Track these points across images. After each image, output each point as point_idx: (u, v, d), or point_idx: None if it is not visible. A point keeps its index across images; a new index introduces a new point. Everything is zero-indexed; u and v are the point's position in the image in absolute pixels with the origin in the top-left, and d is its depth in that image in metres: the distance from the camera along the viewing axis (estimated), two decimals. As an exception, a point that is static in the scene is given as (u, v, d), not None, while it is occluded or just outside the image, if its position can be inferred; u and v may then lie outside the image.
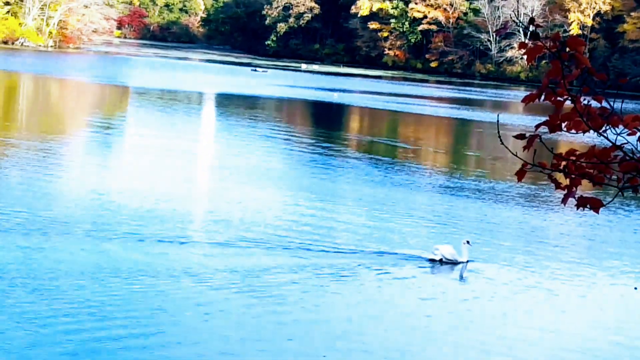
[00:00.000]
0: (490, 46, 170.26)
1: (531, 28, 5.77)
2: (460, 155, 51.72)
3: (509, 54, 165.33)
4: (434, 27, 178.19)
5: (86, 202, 26.61)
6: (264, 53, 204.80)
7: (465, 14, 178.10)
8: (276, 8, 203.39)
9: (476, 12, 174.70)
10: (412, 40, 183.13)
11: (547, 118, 5.89)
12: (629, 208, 33.32)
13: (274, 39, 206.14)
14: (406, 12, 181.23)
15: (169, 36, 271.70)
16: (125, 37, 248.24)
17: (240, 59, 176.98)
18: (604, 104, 5.83)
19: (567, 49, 5.65)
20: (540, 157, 6.08)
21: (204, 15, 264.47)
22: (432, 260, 22.78)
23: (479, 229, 27.29)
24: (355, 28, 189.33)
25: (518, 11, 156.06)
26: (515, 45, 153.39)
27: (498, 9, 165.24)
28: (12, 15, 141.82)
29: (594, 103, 5.82)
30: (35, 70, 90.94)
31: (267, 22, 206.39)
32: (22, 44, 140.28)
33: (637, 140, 5.86)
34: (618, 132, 5.81)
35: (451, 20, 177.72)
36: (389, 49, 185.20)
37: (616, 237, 28.35)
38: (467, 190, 35.42)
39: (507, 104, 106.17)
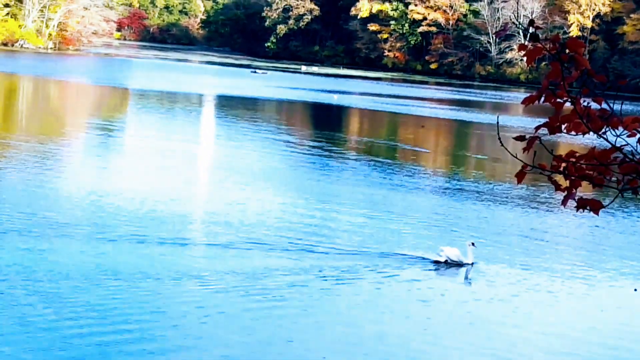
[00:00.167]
0: (490, 48, 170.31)
1: (531, 30, 5.77)
2: (460, 156, 51.71)
3: (509, 55, 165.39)
4: (433, 28, 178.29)
5: (86, 204, 26.61)
6: (264, 55, 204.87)
7: (465, 15, 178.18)
8: (276, 10, 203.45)
9: (476, 13, 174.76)
10: (412, 42, 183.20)
11: (547, 120, 5.90)
12: (629, 210, 33.33)
13: (274, 40, 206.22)
14: (406, 13, 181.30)
15: (169, 38, 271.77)
16: (125, 39, 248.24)
17: (239, 61, 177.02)
18: (604, 105, 5.84)
19: (567, 51, 5.65)
20: (540, 158, 6.08)
21: (203, 17, 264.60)
22: (437, 262, 22.77)
23: (478, 231, 27.29)
24: (355, 30, 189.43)
25: (518, 13, 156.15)
26: (515, 47, 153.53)
27: (498, 10, 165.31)
28: (11, 17, 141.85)
29: (593, 105, 5.82)
30: (34, 72, 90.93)
31: (266, 23, 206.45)
32: (21, 46, 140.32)
33: (636, 142, 5.86)
34: (618, 133, 5.81)
35: (451, 22, 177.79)
36: (389, 51, 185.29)
37: (616, 239, 28.35)
38: (466, 191, 35.42)
39: (506, 105, 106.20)
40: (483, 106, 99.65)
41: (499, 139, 6.54)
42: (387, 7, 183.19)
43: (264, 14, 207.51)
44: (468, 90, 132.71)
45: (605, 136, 5.85)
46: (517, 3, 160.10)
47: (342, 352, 16.11)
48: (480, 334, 17.88)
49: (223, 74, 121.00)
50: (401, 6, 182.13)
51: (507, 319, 19.08)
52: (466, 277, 22.25)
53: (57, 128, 49.23)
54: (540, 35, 5.69)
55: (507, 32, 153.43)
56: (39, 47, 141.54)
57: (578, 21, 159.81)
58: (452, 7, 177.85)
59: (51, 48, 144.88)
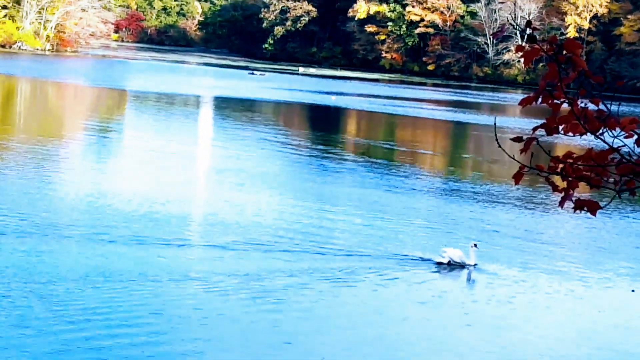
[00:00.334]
0: (487, 49, 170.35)
1: (528, 31, 5.78)
2: (457, 158, 51.73)
3: (506, 57, 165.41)
4: (431, 30, 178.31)
5: (84, 205, 26.60)
6: (262, 56, 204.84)
7: (462, 17, 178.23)
8: (273, 11, 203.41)
9: (473, 15, 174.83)
10: (409, 44, 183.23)
11: (545, 121, 5.91)
12: (626, 210, 33.35)
13: (271, 42, 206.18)
14: (403, 15, 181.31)
15: (167, 39, 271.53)
16: (122, 41, 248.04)
17: (237, 62, 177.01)
18: (601, 106, 5.85)
19: (564, 52, 5.66)
20: (538, 159, 6.09)
21: (201, 19, 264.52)
22: (439, 264, 22.77)
23: (475, 232, 27.29)
24: (353, 31, 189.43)
25: (515, 14, 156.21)
26: (512, 48, 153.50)
27: (495, 12, 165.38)
28: (9, 18, 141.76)
29: (591, 106, 5.84)
30: (32, 74, 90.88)
31: (264, 25, 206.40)
32: (19, 48, 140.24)
33: (634, 143, 5.87)
34: (615, 134, 5.83)
35: (448, 24, 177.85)
36: (386, 52, 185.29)
37: (613, 240, 28.37)
38: (464, 193, 35.44)
39: (504, 106, 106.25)
40: (480, 107, 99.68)
41: (497, 140, 6.54)
42: (384, 8, 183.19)
43: (261, 16, 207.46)
44: (465, 91, 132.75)
45: (602, 137, 5.87)
46: (515, 4, 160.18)
47: (341, 353, 16.11)
48: (478, 335, 17.88)
49: (220, 76, 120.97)
50: (398, 7, 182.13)
51: (505, 320, 19.08)
52: (468, 279, 22.25)
53: (54, 130, 49.20)
54: (537, 37, 5.70)
55: (505, 34, 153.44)
56: (37, 49, 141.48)
57: (575, 22, 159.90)
58: (449, 9, 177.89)
59: (49, 50, 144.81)
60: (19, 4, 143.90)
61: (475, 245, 23.00)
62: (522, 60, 5.92)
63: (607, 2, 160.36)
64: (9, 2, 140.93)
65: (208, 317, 17.15)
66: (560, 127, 5.88)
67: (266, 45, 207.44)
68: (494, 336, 17.91)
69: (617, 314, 20.55)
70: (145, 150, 41.67)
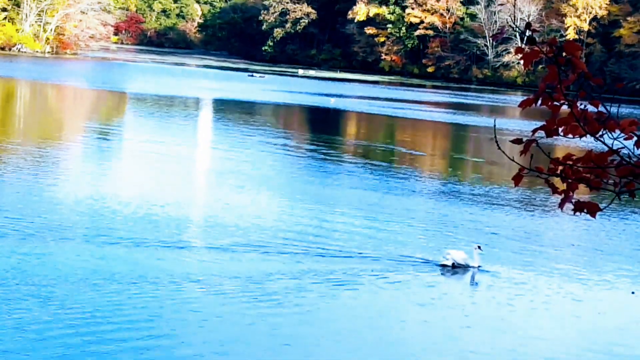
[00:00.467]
0: (487, 51, 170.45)
1: (528, 33, 5.78)
2: (457, 160, 51.73)
3: (506, 59, 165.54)
4: (430, 32, 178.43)
5: (83, 207, 26.58)
6: (261, 58, 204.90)
7: (462, 19, 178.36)
8: (273, 13, 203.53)
9: (473, 17, 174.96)
10: (409, 46, 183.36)
11: (544, 123, 5.91)
12: (626, 212, 33.34)
13: (271, 44, 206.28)
14: (403, 17, 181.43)
15: (166, 42, 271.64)
16: (122, 43, 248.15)
17: (237, 65, 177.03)
18: (601, 108, 5.85)
19: (564, 54, 5.66)
20: (537, 161, 6.09)
21: (200, 21, 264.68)
22: (443, 266, 22.75)
23: (475, 234, 27.28)
24: (352, 33, 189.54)
25: (515, 16, 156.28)
26: (512, 50, 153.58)
27: (495, 14, 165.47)
28: (9, 21, 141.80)
29: (590, 108, 5.83)
30: (32, 76, 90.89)
31: (263, 27, 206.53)
32: (19, 50, 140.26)
33: (633, 145, 5.87)
34: (615, 136, 5.82)
35: (448, 26, 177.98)
36: (386, 54, 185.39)
37: (613, 242, 28.35)
38: (463, 194, 35.43)
39: (503, 108, 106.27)
40: (480, 109, 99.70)
41: (496, 142, 6.54)
42: (384, 10, 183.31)
43: (261, 18, 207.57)
44: (465, 93, 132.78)
45: (602, 139, 5.86)
46: (514, 6, 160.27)
47: (342, 356, 16.10)
48: (479, 337, 17.87)
49: (220, 78, 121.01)
50: (398, 10, 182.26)
51: (505, 322, 19.07)
52: (472, 281, 22.24)
53: (54, 132, 49.19)
54: (537, 39, 5.70)
55: (504, 36, 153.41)
56: (37, 51, 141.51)
57: (575, 24, 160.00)
58: (449, 11, 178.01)
59: (48, 52, 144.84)
60: (19, 7, 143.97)
61: (480, 247, 22.99)
62: (521, 62, 5.92)
63: (606, 4, 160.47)
64: (8, 4, 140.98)
65: (207, 320, 17.14)
66: (560, 129, 5.88)
67: (266, 48, 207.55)
68: (494, 338, 17.90)
69: (617, 316, 20.53)
70: (145, 153, 41.66)
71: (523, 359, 16.92)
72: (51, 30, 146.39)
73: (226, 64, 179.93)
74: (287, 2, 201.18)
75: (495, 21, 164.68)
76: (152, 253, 21.78)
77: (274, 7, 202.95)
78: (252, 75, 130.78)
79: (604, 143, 5.89)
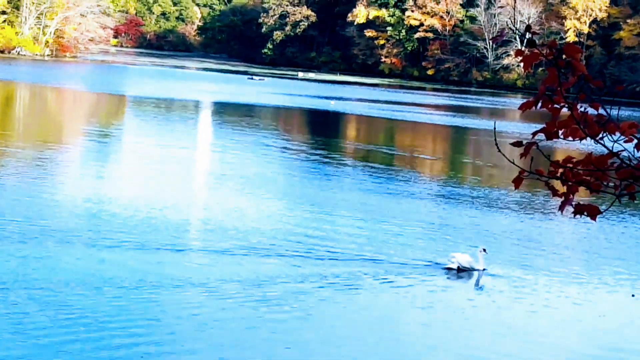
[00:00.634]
0: (486, 54, 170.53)
1: (528, 35, 5.76)
2: (457, 162, 51.73)
3: (506, 61, 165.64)
4: (430, 34, 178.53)
5: (83, 210, 26.57)
6: (261, 61, 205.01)
7: (462, 21, 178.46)
8: (272, 16, 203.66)
9: (472, 19, 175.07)
10: (409, 48, 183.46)
11: (544, 125, 5.89)
12: (626, 215, 33.33)
13: (271, 47, 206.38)
14: (402, 20, 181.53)
15: (166, 45, 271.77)
16: (121, 46, 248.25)
17: (236, 67, 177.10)
18: (601, 111, 5.83)
19: (564, 56, 5.65)
20: (537, 164, 6.07)
21: (200, 24, 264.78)
22: (448, 269, 22.73)
23: (475, 237, 27.26)
24: (352, 36, 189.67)
25: (514, 19, 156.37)
26: (512, 52, 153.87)
27: (494, 16, 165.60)
28: (8, 24, 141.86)
29: (590, 110, 5.82)
30: (31, 79, 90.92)
31: (263, 30, 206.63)
32: (18, 53, 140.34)
33: (633, 147, 5.86)
34: (615, 139, 5.81)
35: (447, 28, 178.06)
36: (386, 57, 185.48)
37: (613, 244, 28.34)
38: (463, 197, 35.42)
39: (503, 111, 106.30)
40: (480, 112, 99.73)
41: (496, 144, 6.52)
42: (383, 13, 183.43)
43: (260, 21, 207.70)
44: (465, 96, 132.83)
45: (602, 142, 5.85)
46: (514, 9, 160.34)
47: (343, 359, 16.07)
48: (479, 341, 17.84)
49: (220, 81, 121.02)
50: (398, 12, 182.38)
51: (505, 325, 19.05)
52: (477, 284, 22.22)
53: (53, 135, 49.19)
54: (537, 41, 5.69)
55: (504, 38, 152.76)
56: (36, 54, 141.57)
57: (575, 27, 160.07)
58: (448, 13, 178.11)
59: (48, 55, 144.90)
60: (18, 10, 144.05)
61: (485, 249, 22.97)
62: (521, 64, 5.90)
63: (606, 6, 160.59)
64: (7, 7, 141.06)
65: (207, 323, 17.11)
66: (560, 132, 5.87)
67: (265, 50, 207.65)
68: (495, 341, 17.88)
69: (617, 319, 20.52)
70: (145, 156, 41.66)
71: (523, 361, 16.90)
72: (50, 33, 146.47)
73: (226, 66, 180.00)
74: (287, 5, 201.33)
75: (495, 24, 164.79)
76: (152, 256, 21.76)
77: (274, 9, 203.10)
78: (251, 78, 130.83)
79: (604, 146, 5.88)
